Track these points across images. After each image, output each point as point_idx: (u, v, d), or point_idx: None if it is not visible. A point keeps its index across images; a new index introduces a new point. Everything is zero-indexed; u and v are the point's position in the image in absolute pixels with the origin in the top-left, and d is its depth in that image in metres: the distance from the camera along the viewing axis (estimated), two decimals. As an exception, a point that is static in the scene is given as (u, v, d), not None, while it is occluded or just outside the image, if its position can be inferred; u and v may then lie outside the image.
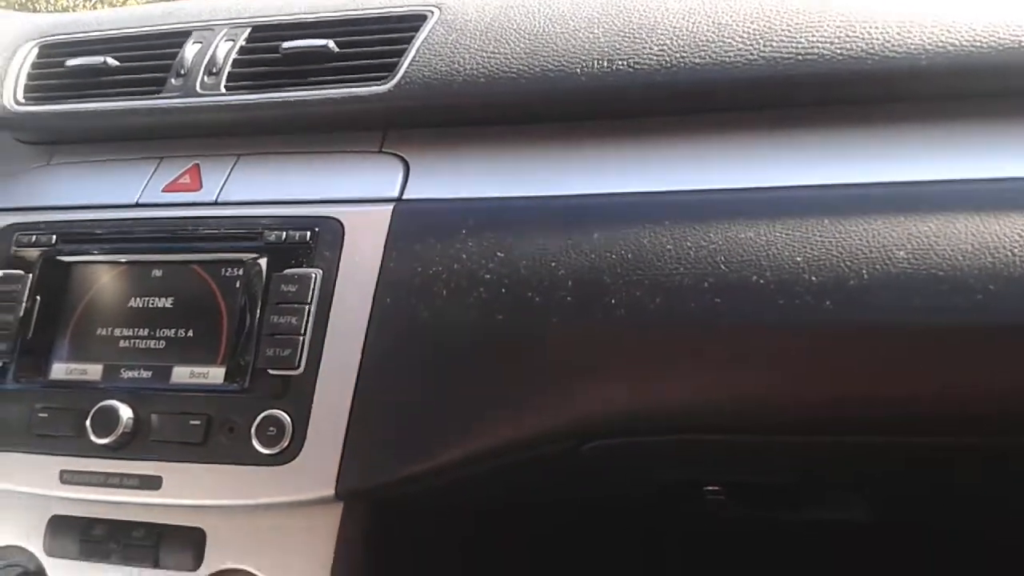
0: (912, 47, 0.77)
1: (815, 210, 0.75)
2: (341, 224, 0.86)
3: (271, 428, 0.81)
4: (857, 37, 0.79)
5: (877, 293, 0.71)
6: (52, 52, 1.04)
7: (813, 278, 0.73)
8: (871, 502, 0.98)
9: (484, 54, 0.87)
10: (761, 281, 0.74)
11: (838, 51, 0.79)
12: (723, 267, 0.75)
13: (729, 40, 0.82)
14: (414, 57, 0.90)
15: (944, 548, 1.14)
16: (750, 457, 0.87)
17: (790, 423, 0.77)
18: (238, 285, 0.87)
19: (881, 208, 0.74)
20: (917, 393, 0.73)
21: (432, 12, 0.93)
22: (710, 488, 0.93)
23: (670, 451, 0.85)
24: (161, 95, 0.96)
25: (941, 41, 0.77)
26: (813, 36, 0.80)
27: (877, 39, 0.78)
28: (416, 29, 0.92)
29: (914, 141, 0.78)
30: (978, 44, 0.76)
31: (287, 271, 0.85)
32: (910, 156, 0.77)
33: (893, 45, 0.78)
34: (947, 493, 0.96)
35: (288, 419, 0.81)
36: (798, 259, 0.74)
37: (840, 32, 0.79)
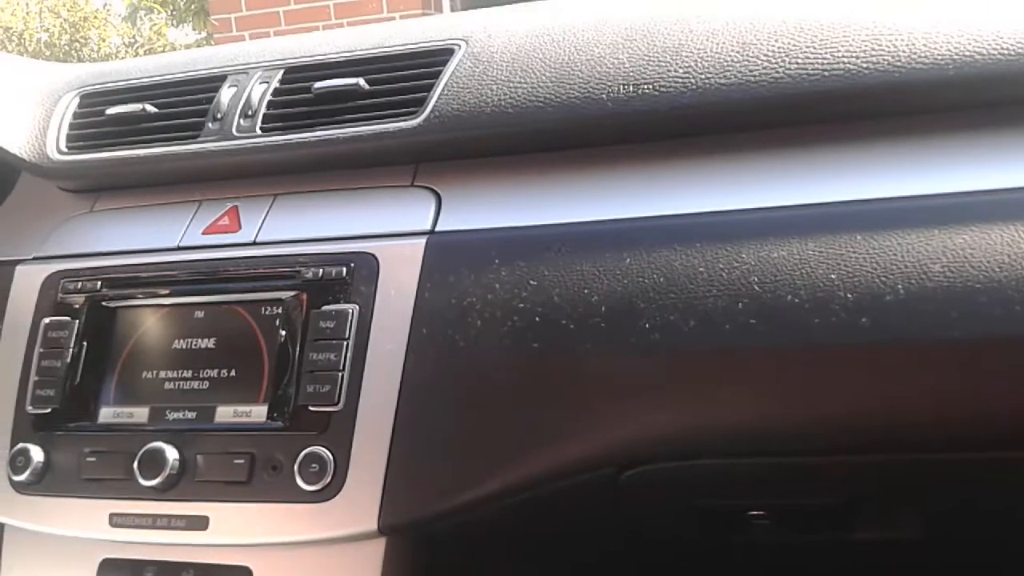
0: (939, 58, 0.76)
1: (847, 226, 0.74)
2: (376, 259, 0.87)
3: (313, 465, 0.82)
4: (882, 50, 0.78)
5: (914, 308, 0.70)
6: (92, 101, 1.06)
7: (849, 295, 0.72)
8: (923, 518, 0.97)
9: (511, 85, 0.88)
10: (796, 300, 0.73)
11: (864, 65, 0.78)
12: (757, 287, 0.75)
13: (754, 59, 0.81)
14: (442, 91, 0.91)
15: (997, 564, 1.11)
16: (792, 479, 0.86)
17: (832, 444, 0.76)
18: (278, 323, 0.88)
19: (914, 222, 0.73)
20: (961, 407, 0.72)
21: (459, 46, 0.94)
22: (754, 513, 0.92)
23: (709, 476, 0.84)
24: (199, 139, 0.98)
25: (968, 51, 0.76)
26: (838, 51, 0.79)
27: (903, 51, 0.77)
28: (444, 63, 0.93)
29: (945, 152, 0.77)
30: (1006, 52, 0.75)
31: (325, 308, 0.86)
32: (941, 168, 0.76)
33: (919, 57, 0.77)
34: (1001, 507, 0.93)
35: (330, 456, 0.82)
36: (832, 276, 0.73)
37: (865, 46, 0.78)
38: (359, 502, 0.81)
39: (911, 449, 0.78)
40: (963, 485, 0.87)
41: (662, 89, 0.83)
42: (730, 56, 0.82)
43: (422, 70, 0.94)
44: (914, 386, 0.73)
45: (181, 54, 1.14)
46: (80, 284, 0.95)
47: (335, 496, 0.82)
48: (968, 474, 0.83)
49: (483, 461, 0.81)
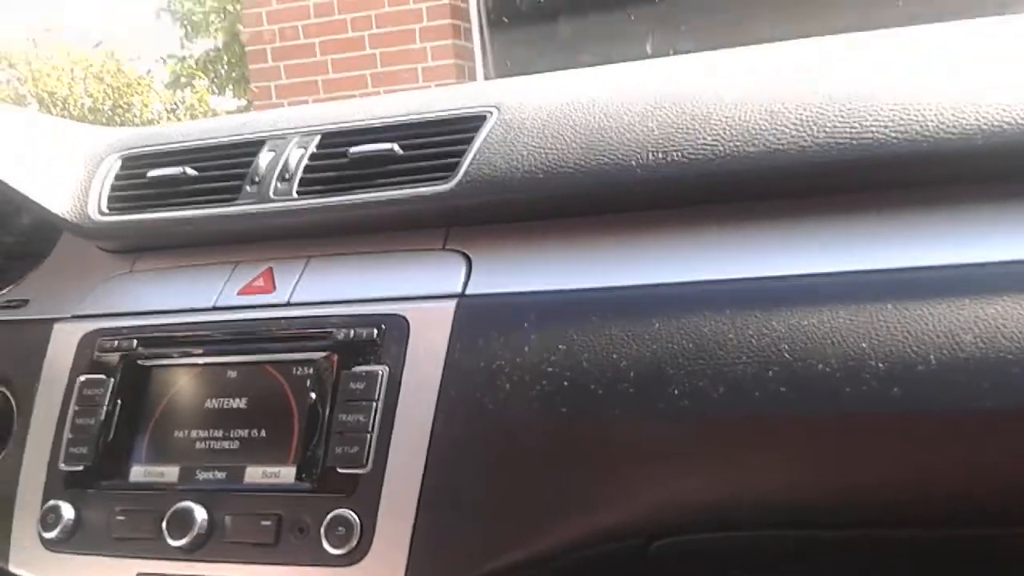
0: (967, 127, 0.76)
1: (878, 295, 0.74)
2: (407, 321, 0.88)
3: (340, 528, 0.82)
4: (911, 119, 0.78)
5: (946, 378, 0.70)
6: (134, 164, 1.09)
7: (880, 364, 0.72)
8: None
9: (542, 151, 0.89)
10: (827, 369, 0.73)
11: (892, 134, 0.78)
12: (787, 355, 0.74)
13: (782, 127, 0.82)
14: (474, 156, 0.92)
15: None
16: (823, 553, 0.85)
17: (863, 515, 0.75)
18: (309, 384, 0.88)
19: (945, 291, 0.73)
20: (994, 479, 0.71)
21: (491, 112, 0.96)
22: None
23: (739, 549, 0.83)
24: (237, 202, 1.00)
25: (997, 120, 0.76)
26: (867, 120, 0.79)
27: (931, 120, 0.78)
28: (476, 129, 0.94)
29: (975, 222, 0.77)
30: (1035, 122, 0.75)
31: (355, 369, 0.87)
32: (972, 237, 0.76)
33: (948, 126, 0.77)
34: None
35: (356, 519, 0.82)
36: (863, 345, 0.73)
37: (893, 115, 0.79)
38: (384, 567, 0.81)
39: (942, 523, 0.77)
40: (996, 563, 0.85)
41: (691, 156, 0.84)
42: (758, 124, 0.83)
43: (455, 136, 0.95)
44: (946, 457, 0.72)
45: (222, 119, 1.17)
46: (116, 343, 0.97)
47: (361, 560, 0.81)
48: (1002, 551, 0.82)
49: (511, 525, 0.80)
